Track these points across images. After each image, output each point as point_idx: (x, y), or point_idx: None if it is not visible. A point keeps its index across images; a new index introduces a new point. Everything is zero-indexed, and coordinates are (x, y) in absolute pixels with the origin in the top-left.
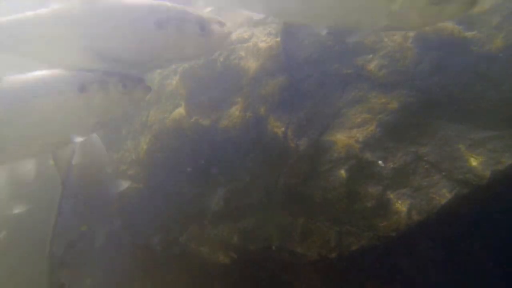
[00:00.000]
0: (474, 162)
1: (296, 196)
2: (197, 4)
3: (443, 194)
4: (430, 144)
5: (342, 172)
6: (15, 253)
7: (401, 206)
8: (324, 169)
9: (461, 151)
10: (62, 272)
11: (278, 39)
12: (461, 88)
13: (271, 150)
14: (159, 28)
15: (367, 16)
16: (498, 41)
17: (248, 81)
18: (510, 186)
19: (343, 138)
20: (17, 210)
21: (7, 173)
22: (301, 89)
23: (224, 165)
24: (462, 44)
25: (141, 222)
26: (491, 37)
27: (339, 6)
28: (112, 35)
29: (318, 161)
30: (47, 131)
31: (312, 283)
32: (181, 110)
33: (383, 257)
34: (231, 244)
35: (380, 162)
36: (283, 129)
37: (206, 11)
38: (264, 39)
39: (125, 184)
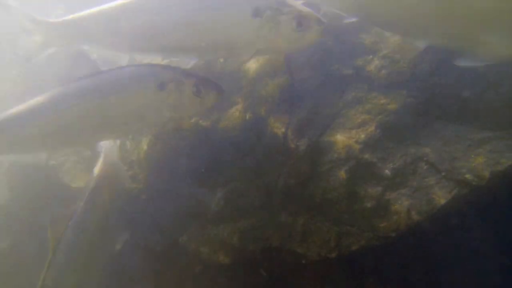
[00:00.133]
0: (473, 163)
1: (296, 196)
2: None
3: (443, 195)
4: (429, 144)
5: (342, 173)
6: None
7: (401, 206)
8: (324, 169)
9: (461, 151)
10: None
11: None
12: (460, 89)
13: (271, 150)
14: (255, 15)
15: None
16: None
17: (248, 81)
18: (510, 186)
19: (343, 138)
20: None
21: None
22: (301, 90)
23: (224, 165)
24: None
25: (141, 222)
26: None
27: None
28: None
29: (318, 162)
30: (127, 122)
31: (312, 283)
32: None
33: (383, 257)
34: (231, 244)
35: (387, 171)
36: (283, 129)
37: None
38: None
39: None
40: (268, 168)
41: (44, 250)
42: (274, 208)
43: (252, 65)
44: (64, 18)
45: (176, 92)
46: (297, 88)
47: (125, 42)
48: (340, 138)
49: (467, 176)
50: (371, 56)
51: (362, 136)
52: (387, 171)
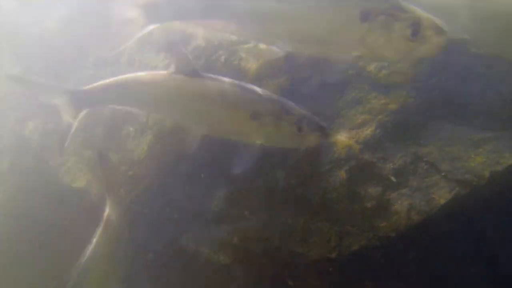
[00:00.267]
0: (473, 163)
1: (296, 196)
2: None
3: (443, 195)
4: (429, 144)
5: (342, 173)
6: None
7: (401, 206)
8: (324, 169)
9: (461, 151)
10: None
11: None
12: (460, 89)
13: (271, 150)
14: (364, 19)
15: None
16: None
17: (248, 81)
18: (510, 186)
19: (343, 138)
20: None
21: None
22: (301, 90)
23: (225, 165)
24: (461, 45)
25: (141, 222)
26: None
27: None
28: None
29: (318, 162)
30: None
31: (312, 283)
32: None
33: (383, 257)
34: (231, 244)
35: (392, 177)
36: None
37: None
38: None
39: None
40: (268, 168)
41: (43, 251)
42: (274, 208)
43: (252, 65)
44: None
45: (273, 126)
46: (297, 89)
47: None
48: (340, 138)
49: (467, 176)
50: None
51: (362, 136)
52: (392, 178)
